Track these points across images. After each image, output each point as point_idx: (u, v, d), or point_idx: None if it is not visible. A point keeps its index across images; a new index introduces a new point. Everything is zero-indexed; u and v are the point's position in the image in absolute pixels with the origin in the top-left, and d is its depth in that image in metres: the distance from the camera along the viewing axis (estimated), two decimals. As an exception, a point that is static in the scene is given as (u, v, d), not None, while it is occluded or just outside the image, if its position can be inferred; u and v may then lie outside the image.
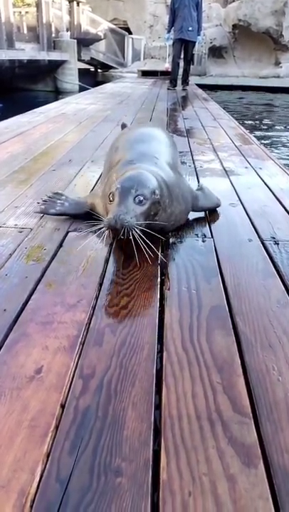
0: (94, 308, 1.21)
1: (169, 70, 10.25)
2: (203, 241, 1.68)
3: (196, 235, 1.74)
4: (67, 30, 15.27)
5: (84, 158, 2.93)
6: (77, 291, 1.30)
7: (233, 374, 0.97)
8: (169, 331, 1.12)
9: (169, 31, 8.81)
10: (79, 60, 15.59)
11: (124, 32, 20.22)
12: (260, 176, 2.63)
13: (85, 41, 16.27)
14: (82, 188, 2.28)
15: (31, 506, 0.68)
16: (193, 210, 1.87)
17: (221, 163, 2.96)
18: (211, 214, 1.96)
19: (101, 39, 17.86)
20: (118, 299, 1.26)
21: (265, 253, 1.59)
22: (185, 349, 1.05)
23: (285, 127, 8.87)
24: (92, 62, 17.69)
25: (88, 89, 10.37)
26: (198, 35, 8.54)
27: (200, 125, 4.76)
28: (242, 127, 4.87)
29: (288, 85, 16.46)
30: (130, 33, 21.41)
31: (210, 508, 0.68)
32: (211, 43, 18.97)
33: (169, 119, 5.12)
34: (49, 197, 1.90)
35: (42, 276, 1.38)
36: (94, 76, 18.49)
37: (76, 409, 0.86)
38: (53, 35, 14.49)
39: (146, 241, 1.33)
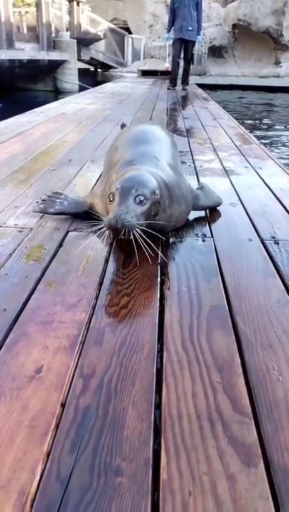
0: (94, 307, 1.21)
1: (169, 69, 10.25)
2: (203, 241, 1.68)
3: (196, 234, 1.74)
4: (67, 30, 15.27)
5: (84, 158, 2.93)
6: (77, 290, 1.30)
7: (233, 373, 0.97)
8: (169, 330, 1.12)
9: (168, 31, 8.81)
10: (79, 59, 15.59)
11: (124, 32, 20.21)
12: (260, 176, 2.63)
13: (84, 41, 16.27)
14: (82, 187, 2.28)
15: (31, 506, 0.68)
16: (194, 209, 1.87)
17: (221, 163, 2.96)
18: (211, 214, 1.96)
19: (101, 39, 17.86)
20: (118, 299, 1.26)
21: (265, 253, 1.59)
22: (185, 349, 1.05)
23: (285, 127, 8.87)
24: (92, 62, 17.69)
25: (88, 89, 10.37)
26: (198, 34, 8.54)
27: (200, 125, 4.75)
28: (242, 127, 4.87)
29: (288, 85, 16.46)
30: (130, 32, 21.40)
31: (210, 508, 0.68)
32: (211, 42, 18.97)
33: (168, 118, 5.12)
34: (48, 196, 1.90)
35: (42, 275, 1.38)
36: (94, 76, 18.48)
37: (76, 409, 0.86)
38: (53, 35, 14.49)
39: (147, 240, 1.33)
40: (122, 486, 0.71)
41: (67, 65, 14.58)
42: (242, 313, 1.20)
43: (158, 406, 0.88)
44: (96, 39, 17.46)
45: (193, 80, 12.23)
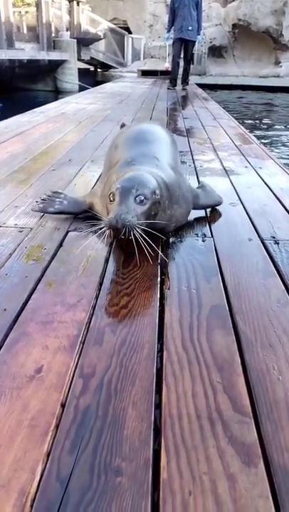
0: (94, 307, 1.21)
1: (169, 69, 10.25)
2: (203, 240, 1.68)
3: (196, 234, 1.74)
4: (67, 30, 15.27)
5: (84, 158, 2.93)
6: (77, 290, 1.30)
7: (233, 373, 0.97)
8: (169, 330, 1.12)
9: (168, 31, 8.81)
10: (79, 59, 15.59)
11: (123, 31, 20.21)
12: (260, 176, 2.63)
13: (84, 41, 16.27)
14: (82, 187, 2.28)
15: (31, 506, 0.68)
16: (195, 208, 1.87)
17: (221, 163, 2.96)
18: (211, 213, 1.96)
19: (101, 39, 17.86)
20: (118, 299, 1.26)
21: (265, 252, 1.59)
22: (185, 348, 1.05)
23: (285, 127, 8.87)
24: (92, 61, 17.69)
25: (88, 88, 10.37)
26: (198, 34, 8.55)
27: (200, 125, 4.75)
28: (242, 127, 4.87)
29: (288, 85, 16.46)
30: (130, 32, 21.40)
31: (210, 507, 0.68)
32: (211, 42, 18.96)
33: (168, 118, 5.12)
34: (48, 195, 1.90)
35: (42, 275, 1.38)
36: (94, 76, 18.48)
37: (76, 409, 0.86)
38: (53, 34, 14.49)
39: (148, 240, 1.33)
40: (122, 485, 0.71)
41: (67, 65, 14.58)
42: (242, 313, 1.20)
43: (158, 406, 0.88)
44: (96, 39, 17.46)
45: (193, 79, 12.23)
